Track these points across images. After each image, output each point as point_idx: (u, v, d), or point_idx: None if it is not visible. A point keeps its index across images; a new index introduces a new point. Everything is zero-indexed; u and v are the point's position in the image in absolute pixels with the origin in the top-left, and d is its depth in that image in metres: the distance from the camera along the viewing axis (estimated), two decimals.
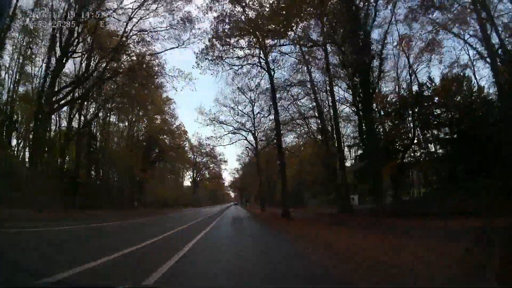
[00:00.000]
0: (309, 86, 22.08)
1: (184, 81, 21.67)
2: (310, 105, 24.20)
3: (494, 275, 2.58)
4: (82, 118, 28.67)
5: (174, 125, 41.67)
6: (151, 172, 44.24)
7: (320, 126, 22.30)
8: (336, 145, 20.15)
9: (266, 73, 19.18)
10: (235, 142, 32.88)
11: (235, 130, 31.23)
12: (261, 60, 19.28)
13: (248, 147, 34.72)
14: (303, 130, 30.45)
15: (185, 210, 40.90)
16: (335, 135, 20.25)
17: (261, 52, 18.64)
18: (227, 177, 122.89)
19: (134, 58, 20.54)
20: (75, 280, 3.52)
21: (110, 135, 32.47)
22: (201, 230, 10.20)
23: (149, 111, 33.49)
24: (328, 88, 21.21)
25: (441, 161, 20.29)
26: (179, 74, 21.23)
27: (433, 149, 22.55)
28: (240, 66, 19.44)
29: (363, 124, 18.03)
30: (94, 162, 31.34)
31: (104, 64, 19.45)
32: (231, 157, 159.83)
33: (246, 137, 32.76)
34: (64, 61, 17.98)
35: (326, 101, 22.99)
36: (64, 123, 27.63)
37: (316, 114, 21.89)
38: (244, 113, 30.47)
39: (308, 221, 15.07)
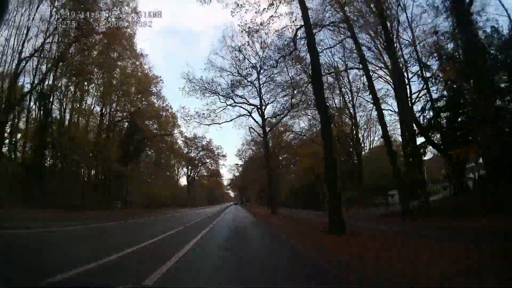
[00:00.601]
0: (342, 26, 15.24)
1: None
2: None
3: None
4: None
5: (161, 107, 34.51)
6: (136, 166, 37.25)
7: (366, 82, 15.29)
8: (398, 110, 13.03)
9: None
10: (237, 117, 26.14)
11: (235, 101, 24.36)
12: None
13: (252, 127, 27.67)
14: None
15: (170, 212, 33.04)
16: (395, 94, 13.12)
17: None
18: (226, 175, 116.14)
19: None
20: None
21: (73, 111, 25.25)
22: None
23: (124, 78, 26.32)
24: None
25: None
26: None
27: None
28: None
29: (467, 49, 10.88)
30: (53, 147, 24.21)
31: None
32: (230, 152, 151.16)
33: (250, 113, 25.80)
34: None
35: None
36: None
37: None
38: (248, 81, 23.63)
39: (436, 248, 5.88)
